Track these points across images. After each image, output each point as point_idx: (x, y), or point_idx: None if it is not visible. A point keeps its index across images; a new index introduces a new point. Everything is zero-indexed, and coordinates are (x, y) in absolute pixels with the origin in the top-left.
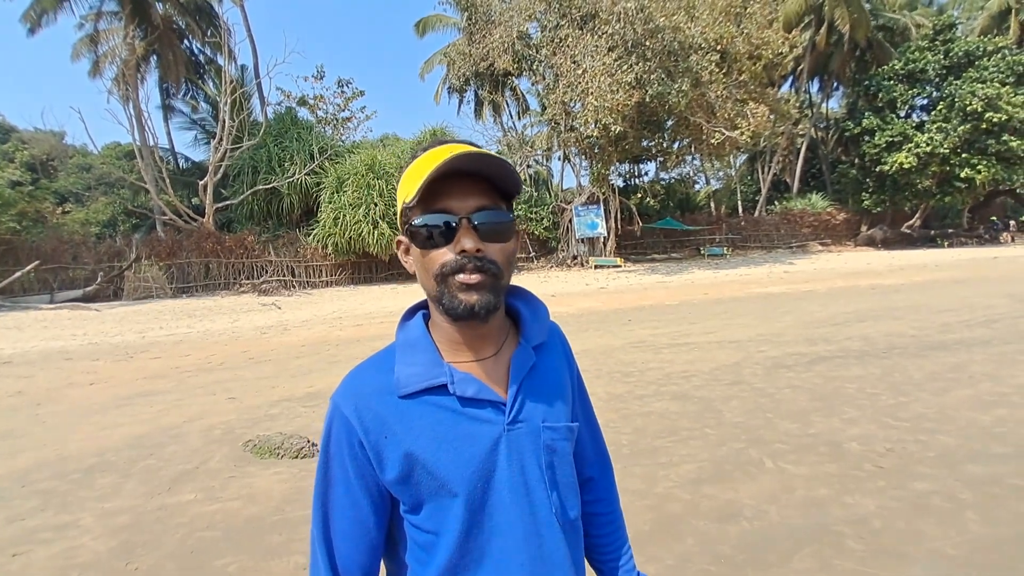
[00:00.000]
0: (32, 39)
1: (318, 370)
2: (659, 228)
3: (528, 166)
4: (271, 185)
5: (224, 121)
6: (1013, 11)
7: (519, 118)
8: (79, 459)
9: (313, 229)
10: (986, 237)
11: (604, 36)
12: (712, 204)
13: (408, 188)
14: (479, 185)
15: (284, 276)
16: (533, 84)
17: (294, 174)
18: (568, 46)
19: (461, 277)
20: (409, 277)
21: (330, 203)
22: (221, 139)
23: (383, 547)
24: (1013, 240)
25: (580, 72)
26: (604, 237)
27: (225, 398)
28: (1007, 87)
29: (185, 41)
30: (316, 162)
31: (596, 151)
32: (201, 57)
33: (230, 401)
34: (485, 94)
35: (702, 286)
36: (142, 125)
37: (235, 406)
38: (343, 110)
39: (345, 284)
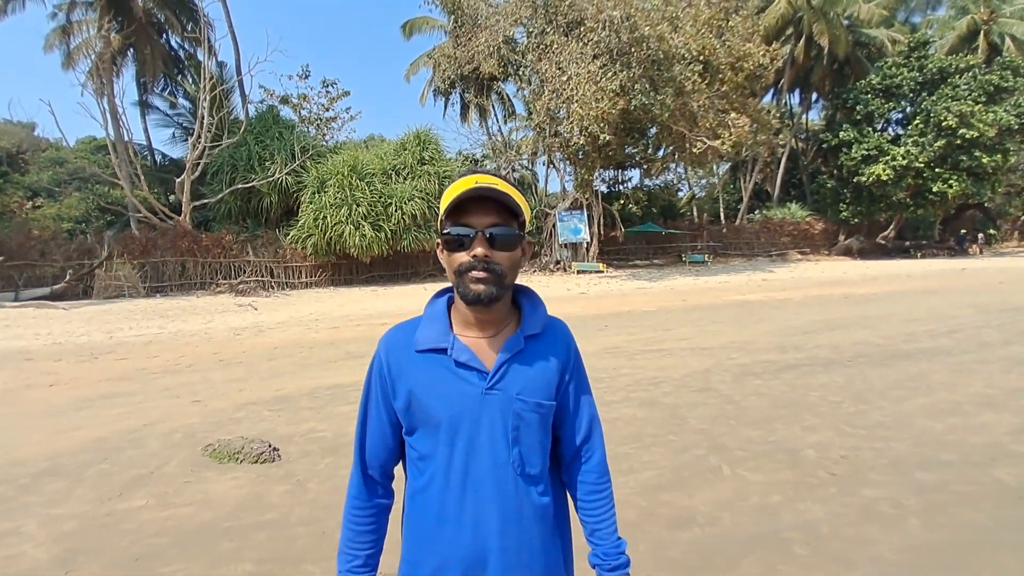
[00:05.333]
0: (2, 27)
1: (289, 373)
2: (642, 234)
3: (513, 170)
4: (251, 184)
5: (203, 118)
6: (982, 32)
7: (505, 122)
8: (30, 463)
9: (293, 229)
10: (956, 249)
11: (589, 43)
12: (694, 211)
13: (444, 203)
14: (494, 207)
15: (263, 277)
16: (519, 89)
17: (274, 173)
18: (553, 52)
19: (473, 274)
20: (391, 280)
21: (311, 203)
22: (200, 136)
23: (399, 452)
24: (980, 252)
25: (565, 79)
26: (587, 242)
27: (190, 401)
28: (979, 105)
29: (164, 35)
30: (297, 161)
31: (580, 157)
32: (181, 52)
33: (195, 404)
34: (471, 97)
35: (681, 293)
36: (116, 120)
37: (199, 409)
38: (327, 110)
39: (325, 286)
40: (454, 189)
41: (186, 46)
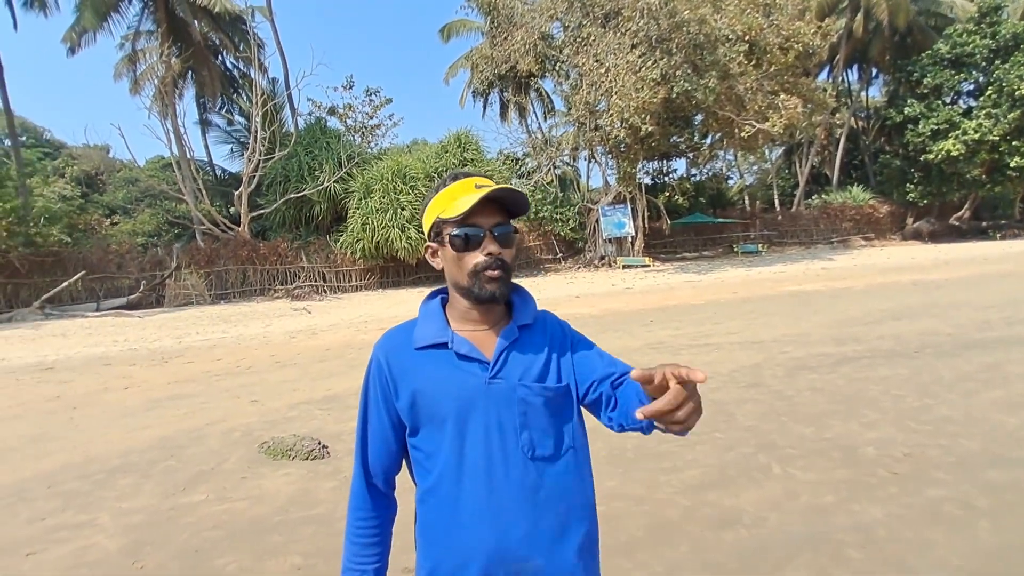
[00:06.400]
0: (79, 59)
1: (338, 373)
2: (689, 226)
3: (555, 167)
4: (302, 193)
5: (256, 132)
6: None
7: (545, 119)
8: (104, 461)
9: (342, 235)
10: None
11: (627, 33)
12: (746, 199)
13: (444, 206)
14: (496, 207)
15: (316, 281)
16: (557, 84)
17: (324, 182)
18: (591, 45)
19: (488, 272)
20: (436, 280)
21: (358, 209)
22: (254, 150)
23: (401, 457)
24: None
25: (603, 71)
26: (632, 237)
27: (248, 401)
28: None
29: (219, 57)
30: (344, 169)
31: (622, 150)
32: (235, 72)
33: (252, 404)
34: (509, 96)
35: (732, 285)
36: (179, 139)
37: (256, 409)
38: (371, 118)
39: (374, 288)
40: (458, 190)
41: (240, 66)
